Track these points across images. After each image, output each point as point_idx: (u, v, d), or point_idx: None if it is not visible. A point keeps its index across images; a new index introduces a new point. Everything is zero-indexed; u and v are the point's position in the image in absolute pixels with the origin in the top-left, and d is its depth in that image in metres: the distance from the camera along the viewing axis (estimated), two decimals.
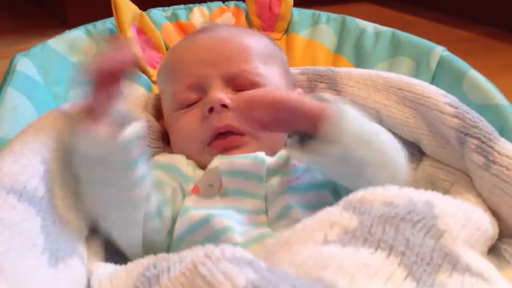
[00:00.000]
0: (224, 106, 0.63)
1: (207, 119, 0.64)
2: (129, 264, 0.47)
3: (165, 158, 0.67)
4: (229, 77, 0.66)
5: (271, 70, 0.70)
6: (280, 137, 0.68)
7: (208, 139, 0.64)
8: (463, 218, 0.49)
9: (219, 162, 0.62)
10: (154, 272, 0.42)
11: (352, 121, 0.55)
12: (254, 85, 0.67)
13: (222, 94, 0.64)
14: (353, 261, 0.41)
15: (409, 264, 0.42)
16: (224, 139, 0.64)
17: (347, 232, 0.44)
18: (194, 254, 0.42)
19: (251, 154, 0.62)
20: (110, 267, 0.53)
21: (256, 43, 0.71)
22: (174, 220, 0.60)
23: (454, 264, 0.43)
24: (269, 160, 0.63)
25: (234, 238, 0.55)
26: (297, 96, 0.61)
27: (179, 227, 0.59)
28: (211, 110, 0.64)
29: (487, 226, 0.53)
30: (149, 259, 0.46)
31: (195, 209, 0.59)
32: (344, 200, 0.49)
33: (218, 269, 0.39)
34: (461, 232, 0.48)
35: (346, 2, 2.28)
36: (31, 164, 0.52)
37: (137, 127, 0.54)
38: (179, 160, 0.65)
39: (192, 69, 0.67)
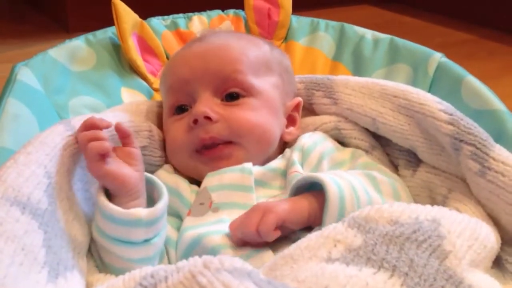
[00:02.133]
0: (208, 118, 0.65)
1: (193, 129, 0.66)
2: (126, 274, 0.47)
3: (169, 179, 0.68)
4: (217, 84, 0.68)
5: (263, 80, 0.70)
6: (269, 145, 0.69)
7: (195, 147, 0.67)
8: (470, 238, 0.49)
9: (208, 180, 0.64)
10: (151, 282, 0.43)
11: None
12: (244, 91, 0.68)
13: (206, 107, 0.66)
14: (355, 281, 0.41)
15: (411, 286, 0.42)
16: (210, 150, 0.66)
17: (351, 251, 0.45)
18: (191, 264, 0.42)
19: (238, 166, 0.64)
20: (108, 278, 0.54)
21: (251, 51, 0.71)
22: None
23: (457, 285, 0.43)
24: (257, 170, 0.65)
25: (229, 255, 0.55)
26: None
27: (179, 251, 0.60)
28: (195, 121, 0.66)
29: (493, 242, 0.53)
30: (146, 270, 0.46)
31: (189, 229, 0.60)
32: (350, 217, 0.49)
33: (217, 279, 0.39)
34: (467, 253, 0.47)
35: (346, 5, 2.28)
36: (35, 176, 0.53)
37: (165, 202, 0.58)
38: (183, 185, 0.67)
39: (182, 75, 0.69)
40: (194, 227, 0.60)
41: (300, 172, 0.65)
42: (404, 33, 0.91)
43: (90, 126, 0.58)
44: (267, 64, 0.72)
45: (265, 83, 0.70)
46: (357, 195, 0.57)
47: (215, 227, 0.59)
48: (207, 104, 0.66)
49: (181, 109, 0.70)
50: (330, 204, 0.55)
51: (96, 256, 0.59)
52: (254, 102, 0.68)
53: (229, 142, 0.66)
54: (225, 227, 0.58)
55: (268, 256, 0.54)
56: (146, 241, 0.57)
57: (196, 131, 0.66)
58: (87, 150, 0.56)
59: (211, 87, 0.68)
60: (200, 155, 0.67)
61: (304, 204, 0.57)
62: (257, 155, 0.67)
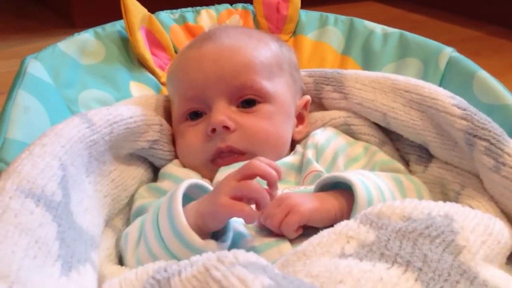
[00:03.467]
0: (226, 127, 0.65)
1: (210, 138, 0.66)
2: (139, 267, 0.47)
3: (181, 172, 0.68)
4: (233, 92, 0.67)
5: (277, 83, 0.70)
6: (282, 150, 0.69)
7: (211, 157, 0.67)
8: (483, 233, 0.49)
9: (221, 175, 0.64)
10: (164, 275, 0.42)
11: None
12: (259, 97, 0.68)
13: (224, 116, 0.65)
14: (369, 276, 0.41)
15: (426, 280, 0.42)
16: (226, 158, 0.66)
17: (364, 246, 0.44)
18: (205, 258, 0.42)
19: None
20: (122, 270, 0.53)
21: (263, 52, 0.70)
22: None
23: (471, 280, 0.43)
24: None
25: (249, 243, 0.55)
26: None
27: None
28: (213, 131, 0.65)
29: (507, 237, 0.52)
30: (160, 263, 0.46)
31: None
32: (362, 213, 0.49)
33: (232, 274, 0.39)
34: (481, 248, 0.47)
35: (353, 1, 2.28)
36: (49, 168, 0.52)
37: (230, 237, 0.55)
38: (195, 179, 0.66)
39: (196, 82, 0.68)
40: None
41: (322, 171, 0.65)
42: (411, 30, 0.91)
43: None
44: (279, 64, 0.72)
45: (279, 86, 0.70)
46: (384, 198, 0.58)
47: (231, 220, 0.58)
48: (224, 113, 0.66)
49: (195, 114, 0.70)
50: (360, 206, 0.55)
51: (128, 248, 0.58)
52: (270, 108, 0.68)
53: (243, 153, 0.66)
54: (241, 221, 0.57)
55: (286, 247, 0.54)
56: None
57: (213, 141, 0.66)
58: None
59: (226, 94, 0.67)
60: (214, 166, 0.67)
61: (334, 203, 0.57)
62: (270, 159, 0.67)
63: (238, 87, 0.67)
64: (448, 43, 0.86)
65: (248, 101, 0.68)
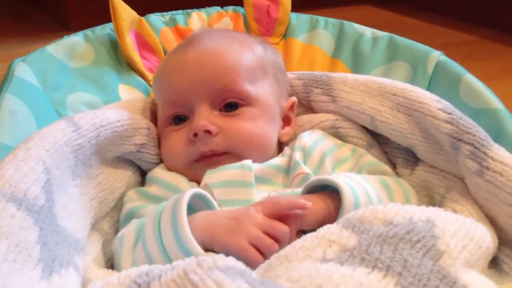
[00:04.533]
0: (208, 132, 0.65)
1: (193, 142, 0.66)
2: (122, 271, 0.47)
3: (168, 176, 0.68)
4: (215, 95, 0.68)
5: (260, 86, 0.70)
6: (267, 153, 0.69)
7: (194, 159, 0.67)
8: (464, 238, 0.49)
9: (208, 177, 0.64)
10: (145, 279, 0.43)
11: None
12: (242, 100, 0.68)
13: (206, 120, 0.66)
14: (349, 281, 0.41)
15: (405, 285, 0.42)
16: (209, 158, 0.67)
17: (345, 251, 0.45)
18: (186, 262, 0.43)
19: (238, 163, 0.64)
20: (109, 274, 0.53)
21: (245, 56, 0.70)
22: None
23: (451, 285, 0.43)
24: (257, 166, 0.65)
25: None
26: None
27: None
28: (195, 135, 0.66)
29: (488, 242, 0.53)
30: (142, 268, 0.46)
31: None
32: (345, 218, 0.49)
33: (210, 277, 0.39)
34: (462, 253, 0.47)
35: (347, 5, 2.29)
36: (33, 172, 0.52)
37: None
38: (182, 182, 0.66)
39: (179, 87, 0.68)
40: None
41: (309, 173, 0.65)
42: (405, 34, 0.91)
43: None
44: (262, 67, 0.72)
45: (262, 89, 0.70)
46: (371, 201, 0.58)
47: None
48: (206, 117, 0.66)
49: (178, 119, 0.70)
50: (346, 210, 0.56)
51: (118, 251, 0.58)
52: (253, 111, 0.68)
53: (225, 153, 0.66)
54: None
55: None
56: None
57: (195, 145, 0.66)
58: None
59: (208, 99, 0.67)
60: (199, 163, 0.67)
61: (321, 206, 0.57)
62: (255, 160, 0.67)
63: (220, 90, 0.67)
64: (442, 46, 0.86)
65: (231, 104, 0.68)
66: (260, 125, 0.68)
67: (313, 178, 0.60)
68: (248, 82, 0.69)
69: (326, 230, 0.48)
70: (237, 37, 0.74)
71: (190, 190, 0.55)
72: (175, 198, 0.54)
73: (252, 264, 0.50)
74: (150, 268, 0.45)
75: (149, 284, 0.42)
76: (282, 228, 0.53)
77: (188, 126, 0.68)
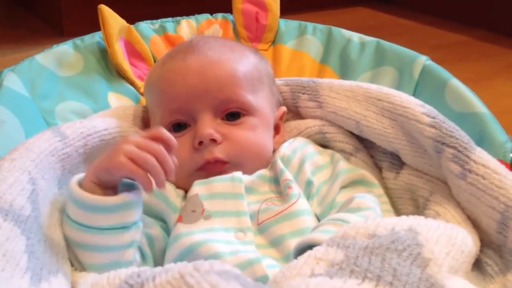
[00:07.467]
0: (213, 140, 0.66)
1: (197, 150, 0.67)
2: (111, 272, 0.47)
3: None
4: (218, 105, 0.68)
5: (259, 97, 0.72)
6: (264, 161, 0.70)
7: (198, 167, 0.67)
8: (447, 244, 0.49)
9: (198, 188, 0.65)
10: (138, 281, 0.43)
11: None
12: (243, 110, 0.69)
13: (211, 129, 0.66)
14: None
15: None
16: (213, 165, 0.67)
17: (334, 265, 0.45)
18: (181, 266, 0.43)
19: (228, 175, 0.65)
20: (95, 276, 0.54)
21: (246, 66, 0.72)
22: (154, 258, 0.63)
23: None
24: (246, 178, 0.66)
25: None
26: None
27: (171, 256, 0.60)
28: (200, 143, 0.66)
29: (470, 246, 0.53)
30: (133, 269, 0.47)
31: (184, 236, 0.60)
32: (328, 238, 0.49)
33: (205, 280, 0.40)
34: (446, 260, 0.48)
35: (341, 7, 2.29)
36: (19, 182, 0.53)
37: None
38: (169, 188, 0.67)
39: (181, 94, 0.69)
40: (189, 234, 0.60)
41: (291, 179, 0.66)
42: (398, 35, 0.92)
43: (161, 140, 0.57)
44: (260, 78, 0.73)
45: (261, 100, 0.72)
46: None
47: (209, 235, 0.60)
48: (211, 125, 0.67)
49: (178, 126, 0.70)
50: None
51: (73, 259, 0.58)
52: (253, 120, 0.70)
53: (227, 162, 0.67)
54: (219, 235, 0.59)
55: (259, 268, 0.55)
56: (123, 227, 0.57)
57: (200, 153, 0.67)
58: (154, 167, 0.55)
59: (211, 107, 0.68)
60: (200, 171, 0.67)
61: None
62: (251, 169, 0.68)
63: (223, 100, 0.68)
64: (435, 48, 0.87)
65: (233, 113, 0.69)
66: (260, 134, 0.70)
67: (300, 239, 0.56)
68: (249, 92, 0.70)
69: (311, 251, 0.48)
70: (235, 47, 0.75)
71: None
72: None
73: (141, 181, 0.55)
74: (141, 270, 0.45)
75: (143, 285, 0.42)
76: (155, 146, 0.56)
77: (190, 133, 0.68)
